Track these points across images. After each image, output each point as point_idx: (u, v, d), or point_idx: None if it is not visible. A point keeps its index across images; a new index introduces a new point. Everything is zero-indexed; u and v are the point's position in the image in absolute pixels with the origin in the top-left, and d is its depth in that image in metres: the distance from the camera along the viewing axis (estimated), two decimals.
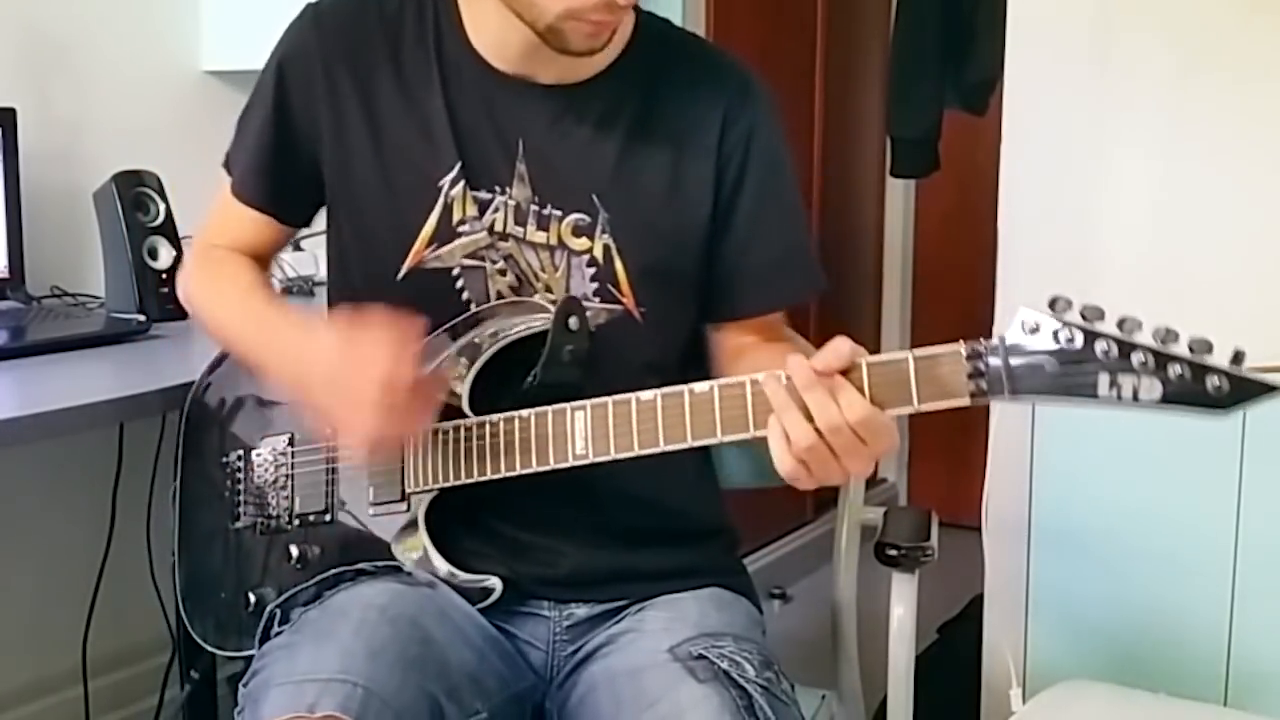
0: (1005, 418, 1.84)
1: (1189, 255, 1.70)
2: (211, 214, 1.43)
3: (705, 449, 1.38)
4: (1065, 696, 1.59)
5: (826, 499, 2.58)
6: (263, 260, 1.42)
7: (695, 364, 1.33)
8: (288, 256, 2.27)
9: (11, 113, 1.94)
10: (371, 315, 1.14)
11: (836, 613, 1.58)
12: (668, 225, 1.27)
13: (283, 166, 1.34)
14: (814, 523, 3.25)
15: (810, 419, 1.03)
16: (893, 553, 1.47)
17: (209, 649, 1.36)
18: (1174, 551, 1.77)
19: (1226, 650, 1.74)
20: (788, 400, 1.04)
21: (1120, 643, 1.81)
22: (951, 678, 2.03)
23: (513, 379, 1.22)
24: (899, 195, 3.69)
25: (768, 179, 1.30)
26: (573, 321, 1.21)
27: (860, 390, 1.03)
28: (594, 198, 1.25)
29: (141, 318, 1.80)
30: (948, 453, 3.62)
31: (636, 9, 1.30)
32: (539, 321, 1.22)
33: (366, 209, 1.30)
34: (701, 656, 1.18)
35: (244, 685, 1.15)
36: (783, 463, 1.05)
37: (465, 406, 1.22)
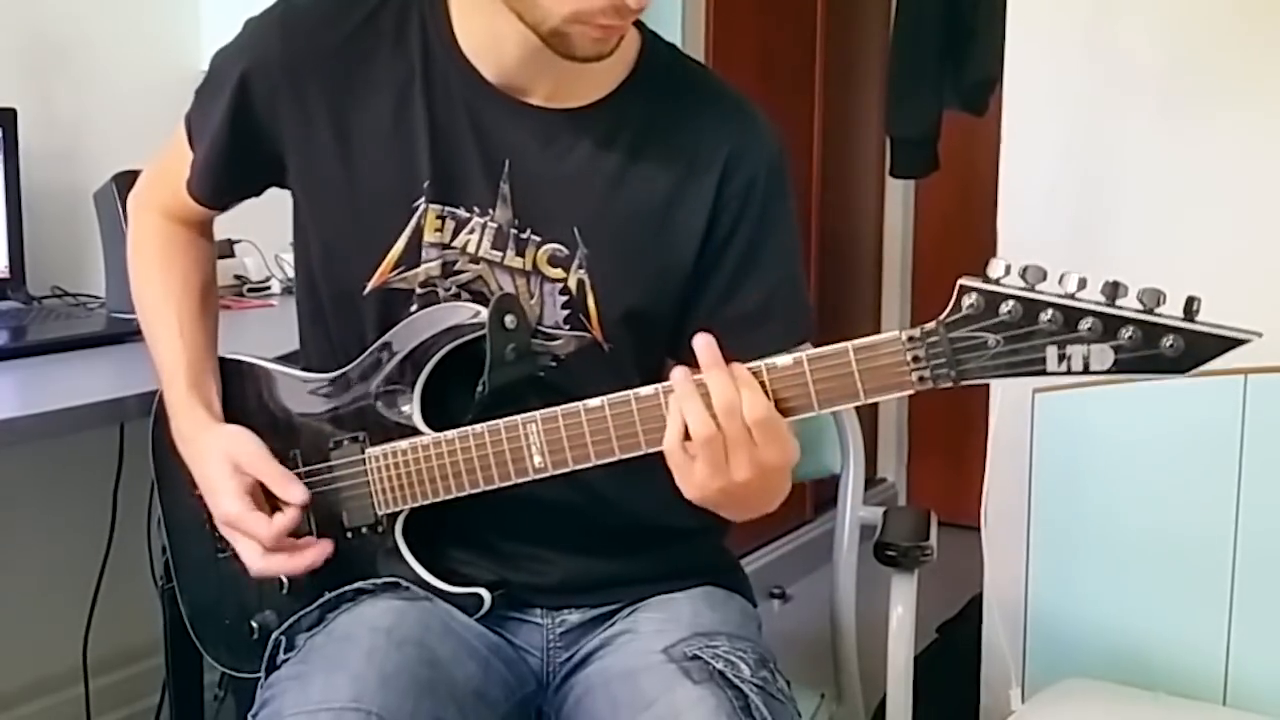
0: (1005, 417, 1.85)
1: (1189, 254, 1.70)
2: (159, 164, 1.39)
3: None
4: (1064, 696, 1.59)
5: (825, 499, 2.58)
6: (205, 225, 1.40)
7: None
8: (288, 257, 2.26)
9: (12, 113, 1.94)
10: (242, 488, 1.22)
11: (836, 612, 1.58)
12: (648, 268, 1.22)
13: (238, 170, 1.30)
14: (813, 522, 3.25)
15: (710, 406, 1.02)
16: (892, 552, 1.47)
17: (226, 671, 1.36)
18: (1173, 551, 1.77)
19: (1225, 650, 1.74)
20: (691, 390, 1.03)
21: (1119, 642, 1.82)
22: (951, 677, 2.03)
23: (463, 382, 1.19)
24: (898, 195, 3.69)
25: (759, 234, 1.23)
26: (509, 320, 1.18)
27: (767, 391, 1.02)
28: (575, 230, 1.20)
29: None
30: (947, 452, 3.63)
31: (644, 33, 1.26)
32: (470, 317, 1.19)
33: (332, 227, 1.25)
34: (696, 657, 1.17)
35: (253, 717, 1.13)
36: (673, 454, 1.05)
37: (419, 423, 1.20)
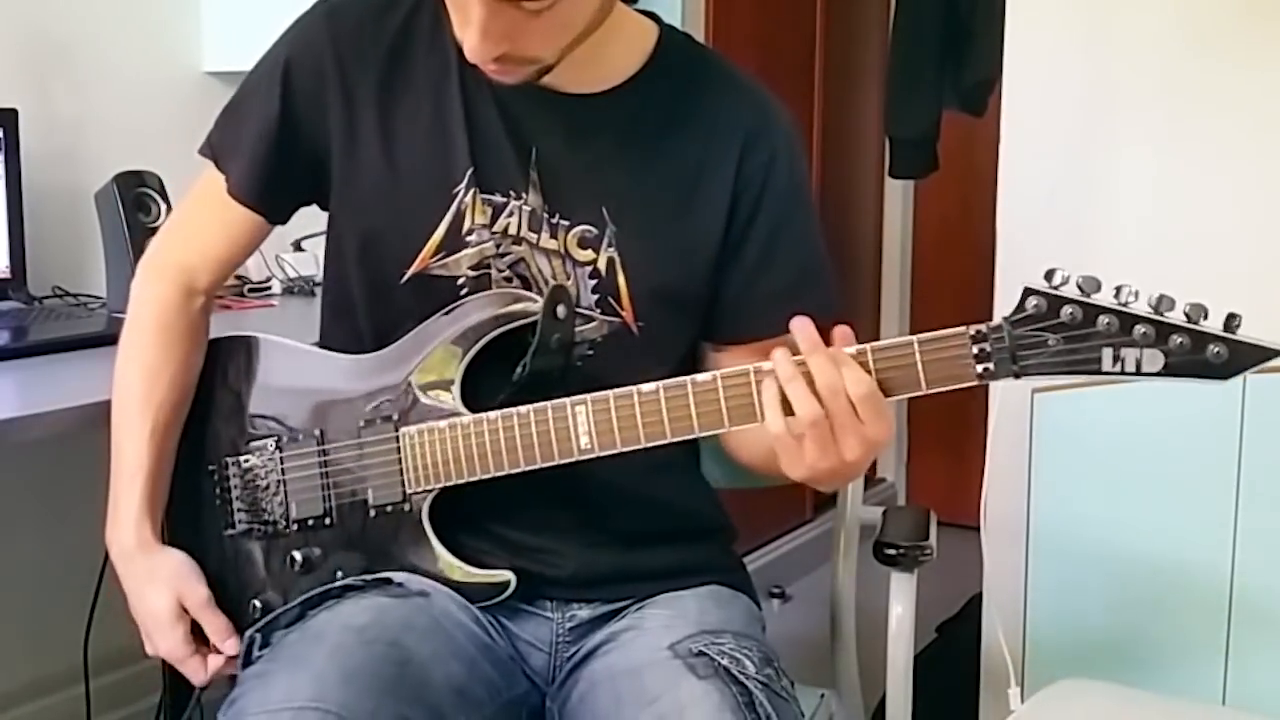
0: (1004, 417, 1.85)
1: (1189, 254, 1.71)
2: (177, 219, 1.39)
3: (694, 453, 1.40)
4: (1064, 695, 1.59)
5: (825, 499, 2.58)
6: (231, 263, 1.37)
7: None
8: (288, 257, 2.28)
9: (13, 113, 1.94)
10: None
11: (836, 612, 1.58)
12: (675, 245, 1.26)
13: (283, 166, 1.30)
14: (813, 522, 3.25)
15: (814, 388, 1.04)
16: (892, 552, 1.47)
17: None
18: (1172, 550, 1.77)
19: (1225, 649, 1.75)
20: (794, 371, 1.06)
21: (1119, 641, 1.82)
22: (950, 677, 2.03)
23: (496, 370, 1.21)
24: (898, 196, 3.69)
25: (784, 210, 1.28)
26: (560, 310, 1.21)
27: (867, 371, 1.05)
28: (603, 210, 1.24)
29: None
30: (946, 452, 3.63)
31: (660, 23, 1.30)
32: (522, 305, 1.22)
33: (373, 213, 1.27)
34: (702, 653, 1.18)
35: (222, 715, 1.13)
36: (781, 439, 1.07)
37: (458, 405, 1.22)
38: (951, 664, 2.09)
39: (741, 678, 1.15)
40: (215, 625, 1.27)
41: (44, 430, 1.44)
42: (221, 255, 1.36)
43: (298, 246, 2.32)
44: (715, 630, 1.22)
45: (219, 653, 1.27)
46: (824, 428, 1.05)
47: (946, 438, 3.62)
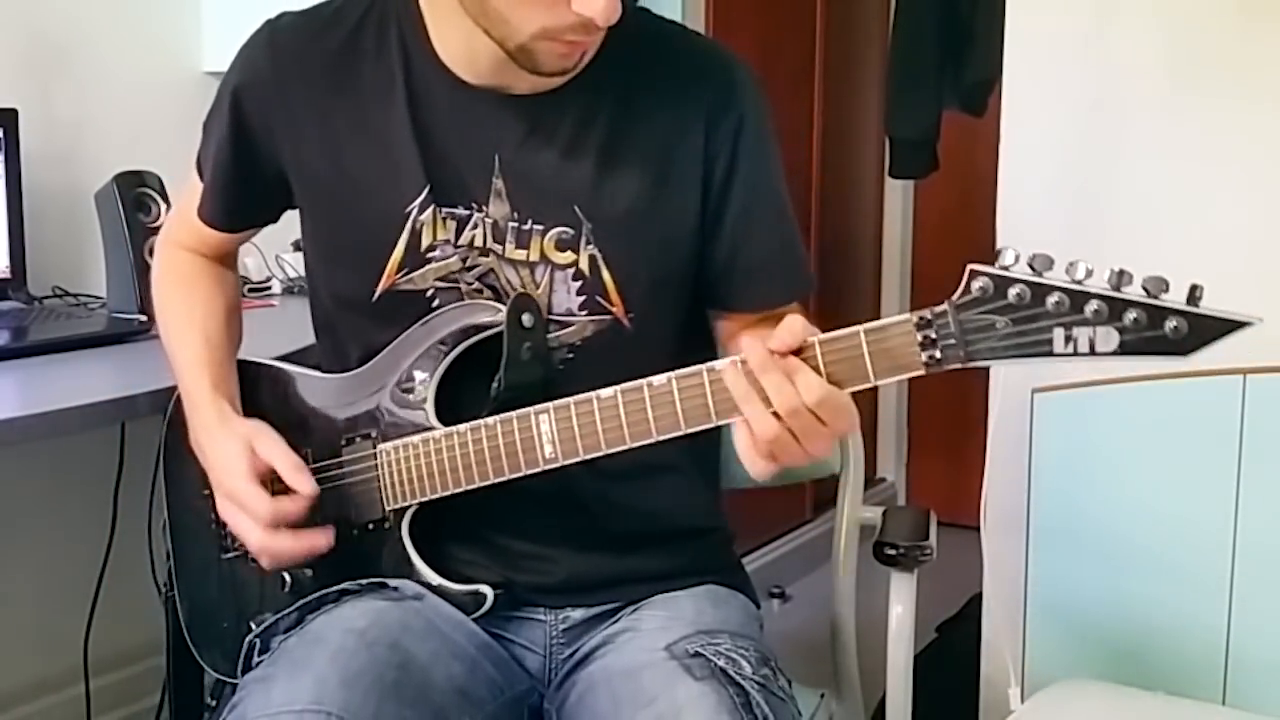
0: (1004, 417, 1.85)
1: (1188, 254, 1.71)
2: (179, 205, 1.43)
3: (713, 450, 1.40)
4: (1064, 695, 1.59)
5: (825, 499, 2.58)
6: (230, 250, 1.44)
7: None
8: (288, 257, 2.28)
9: (13, 113, 1.95)
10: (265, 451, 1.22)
11: (835, 612, 1.58)
12: (654, 230, 1.23)
13: (241, 192, 1.33)
14: (813, 522, 3.25)
15: (769, 405, 1.03)
16: (891, 552, 1.47)
17: (221, 679, 1.36)
18: (1172, 550, 1.77)
19: (1225, 649, 1.75)
20: (748, 390, 1.04)
21: (1119, 641, 1.82)
22: (950, 677, 2.04)
23: (476, 382, 1.20)
24: (898, 196, 3.69)
25: (757, 176, 1.26)
26: (526, 318, 1.19)
27: (816, 370, 1.03)
28: (575, 209, 1.21)
29: (143, 318, 1.80)
30: (946, 452, 3.63)
31: None
32: (486, 316, 1.20)
33: (332, 238, 1.27)
34: (698, 654, 1.17)
35: (223, 719, 1.13)
36: (747, 455, 1.06)
37: (432, 419, 1.21)
38: (951, 664, 2.09)
39: (738, 678, 1.15)
40: (285, 462, 1.22)
41: (44, 430, 1.44)
42: (218, 245, 1.42)
43: (298, 246, 2.31)
44: (711, 631, 1.22)
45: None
46: (787, 439, 1.04)
47: (946, 438, 3.62)
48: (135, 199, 1.91)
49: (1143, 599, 1.80)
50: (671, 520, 1.32)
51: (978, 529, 1.84)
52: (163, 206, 1.93)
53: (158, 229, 1.93)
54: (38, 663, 2.12)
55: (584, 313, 1.22)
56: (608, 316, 1.23)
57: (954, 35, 2.72)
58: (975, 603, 2.02)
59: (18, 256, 1.96)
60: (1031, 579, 1.88)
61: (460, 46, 1.21)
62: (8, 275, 1.95)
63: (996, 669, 1.89)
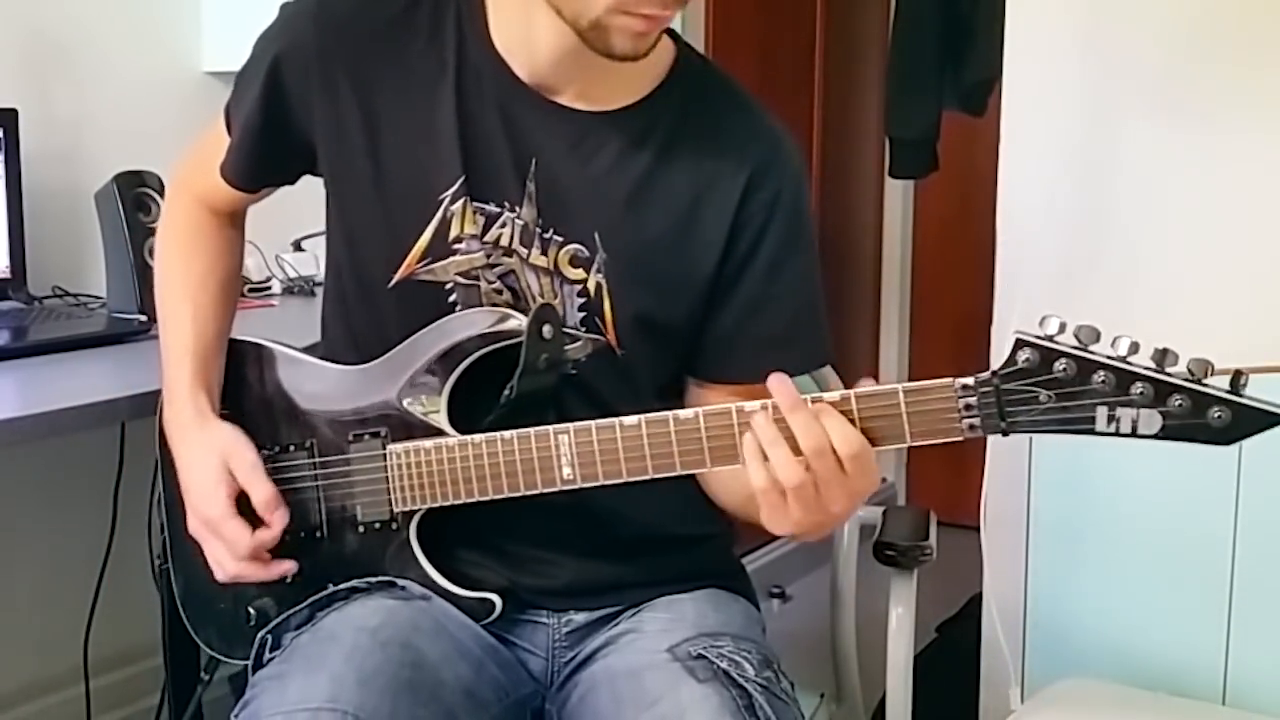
0: None
1: (1188, 254, 1.71)
2: (200, 149, 1.39)
3: None
4: (1064, 695, 1.59)
5: None
6: (240, 208, 1.41)
7: (672, 400, 1.28)
8: (288, 257, 2.28)
9: (13, 113, 1.94)
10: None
11: (835, 612, 1.58)
12: (666, 278, 1.22)
13: (267, 157, 1.31)
14: None
15: (798, 450, 1.01)
16: (891, 552, 1.47)
17: (215, 656, 1.36)
18: (1172, 550, 1.77)
19: (1225, 649, 1.75)
20: (775, 434, 1.02)
21: (1119, 642, 1.82)
22: (950, 677, 2.04)
23: (484, 384, 1.20)
24: (898, 196, 3.69)
25: (783, 252, 1.23)
26: (546, 330, 1.18)
27: (851, 422, 1.02)
28: (596, 235, 1.20)
29: (143, 317, 1.80)
30: (946, 452, 3.60)
31: (678, 44, 1.26)
32: (508, 324, 1.19)
33: (358, 217, 1.26)
34: (701, 656, 1.17)
35: (235, 717, 1.12)
36: (766, 494, 1.04)
37: (444, 424, 1.20)
38: (951, 664, 2.09)
39: (741, 680, 1.15)
40: (262, 492, 1.21)
41: (44, 430, 1.44)
42: (232, 202, 1.39)
43: (298, 246, 2.32)
44: (714, 633, 1.22)
45: (263, 567, 1.23)
46: (809, 488, 1.03)
47: None
48: (135, 199, 1.91)
49: (1143, 599, 1.80)
50: (674, 525, 1.31)
51: (978, 529, 1.84)
52: (163, 206, 1.93)
53: (157, 229, 1.93)
54: (38, 663, 2.12)
55: (584, 330, 1.22)
56: (602, 339, 1.22)
57: (954, 35, 2.72)
58: (975, 603, 2.02)
59: (18, 256, 1.95)
60: (1032, 579, 1.88)
61: (519, 34, 1.19)
62: (8, 275, 1.95)
63: (996, 669, 1.89)
